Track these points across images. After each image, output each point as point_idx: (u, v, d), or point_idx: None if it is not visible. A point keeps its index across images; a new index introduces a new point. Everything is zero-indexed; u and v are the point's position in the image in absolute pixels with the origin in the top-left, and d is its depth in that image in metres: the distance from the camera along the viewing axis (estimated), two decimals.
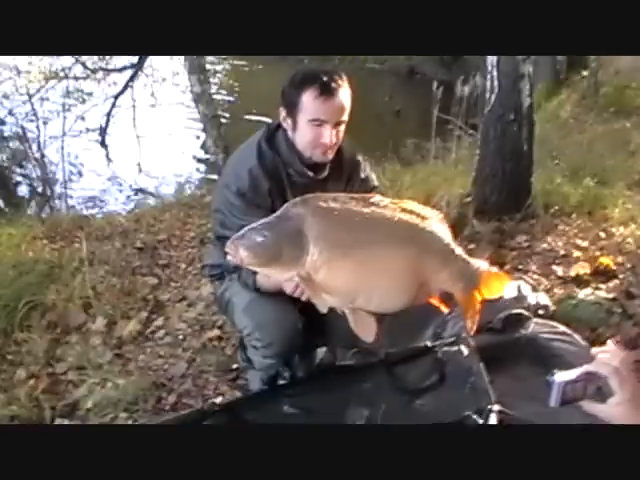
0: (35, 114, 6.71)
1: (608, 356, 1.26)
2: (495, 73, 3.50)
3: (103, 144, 8.91)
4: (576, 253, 3.27)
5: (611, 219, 3.68)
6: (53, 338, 3.20)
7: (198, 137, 8.80)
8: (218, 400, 2.43)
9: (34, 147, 6.62)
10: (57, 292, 3.49)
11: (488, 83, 3.57)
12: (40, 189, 6.27)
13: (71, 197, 6.55)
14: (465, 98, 5.55)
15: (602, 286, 2.93)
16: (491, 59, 3.50)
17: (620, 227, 3.58)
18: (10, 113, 7.06)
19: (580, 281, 2.98)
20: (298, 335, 2.15)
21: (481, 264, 1.77)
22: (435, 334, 2.54)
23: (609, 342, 1.40)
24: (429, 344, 2.43)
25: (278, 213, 1.65)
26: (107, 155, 8.82)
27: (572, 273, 3.03)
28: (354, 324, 1.68)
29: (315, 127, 2.00)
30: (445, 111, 5.53)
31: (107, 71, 8.99)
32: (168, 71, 9.80)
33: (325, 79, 1.98)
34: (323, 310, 1.65)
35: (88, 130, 8.95)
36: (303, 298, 1.75)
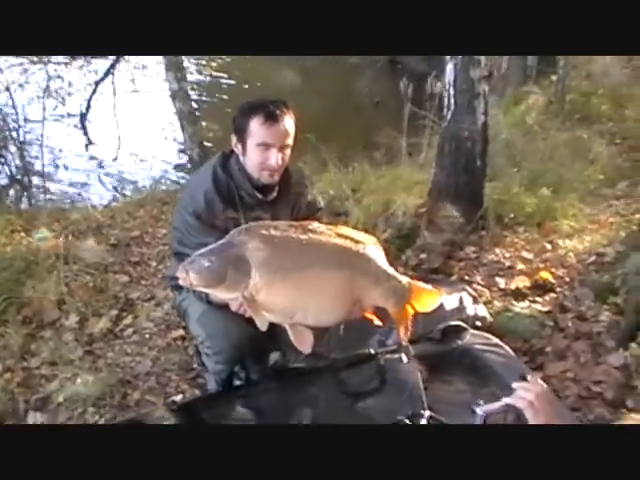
0: (13, 102, 6.80)
1: (525, 390, 1.55)
2: (452, 91, 3.72)
3: (84, 131, 9.07)
4: (520, 265, 3.50)
5: (559, 231, 3.89)
6: (28, 333, 3.41)
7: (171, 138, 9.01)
8: (177, 398, 2.69)
9: (13, 134, 6.75)
10: (33, 288, 3.69)
11: (445, 100, 3.80)
12: (19, 178, 6.40)
13: (49, 190, 6.68)
14: (437, 93, 5.60)
15: (539, 299, 3.17)
16: (448, 78, 3.72)
17: (566, 240, 3.79)
18: None
19: (519, 294, 3.21)
20: (245, 344, 2.34)
21: (413, 282, 2.04)
22: (380, 341, 2.76)
23: (529, 377, 1.71)
24: (373, 351, 2.67)
25: (224, 240, 1.86)
26: (87, 143, 8.95)
27: (512, 286, 3.26)
28: (293, 337, 1.91)
29: (262, 150, 2.19)
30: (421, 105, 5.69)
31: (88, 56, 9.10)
32: (149, 59, 9.87)
33: (270, 107, 2.18)
34: (262, 328, 1.86)
35: (70, 115, 9.10)
36: (247, 315, 1.94)
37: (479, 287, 3.32)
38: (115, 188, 7.49)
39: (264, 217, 2.32)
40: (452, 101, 3.73)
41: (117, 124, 9.09)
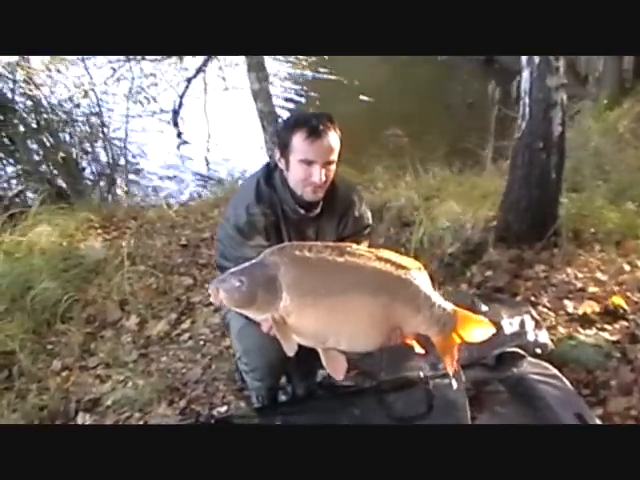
0: (99, 102, 7.01)
1: None
2: (527, 100, 3.53)
3: (176, 128, 9.27)
4: (592, 288, 3.28)
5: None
6: (90, 332, 3.50)
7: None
8: (222, 410, 2.68)
9: (102, 132, 6.97)
10: (99, 287, 3.79)
11: (520, 110, 3.60)
12: (106, 174, 6.60)
13: (131, 187, 6.86)
14: None
15: (608, 327, 2.95)
16: (524, 86, 3.53)
17: None
18: (85, 95, 7.39)
19: (586, 320, 3.00)
20: (281, 363, 2.29)
21: (460, 310, 1.94)
22: (432, 364, 2.63)
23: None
24: (422, 374, 2.57)
25: (256, 260, 1.84)
26: (179, 142, 9.15)
27: (580, 311, 3.06)
28: (325, 362, 1.87)
29: (305, 167, 2.13)
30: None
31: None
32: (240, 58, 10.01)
33: (314, 122, 2.12)
34: (289, 353, 1.82)
35: (162, 111, 9.33)
36: (277, 337, 1.88)
37: (545, 310, 3.13)
38: (198, 186, 7.60)
39: (308, 233, 2.30)
40: (527, 110, 3.54)
41: (207, 121, 9.25)
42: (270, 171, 2.29)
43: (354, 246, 1.90)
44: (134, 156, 7.61)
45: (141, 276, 3.91)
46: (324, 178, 2.15)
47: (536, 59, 3.43)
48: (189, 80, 9.46)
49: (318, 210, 2.29)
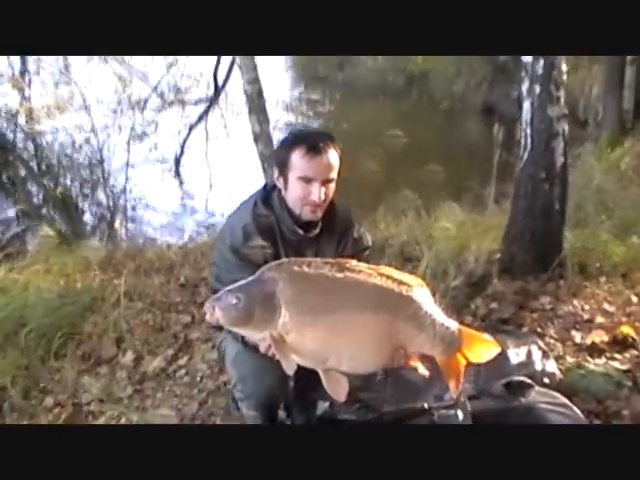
0: (100, 147, 7.06)
1: None
2: (528, 131, 3.52)
3: (177, 174, 9.32)
4: (600, 319, 3.22)
5: None
6: (84, 369, 3.40)
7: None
8: None
9: (105, 175, 7.00)
10: (94, 324, 3.71)
11: (522, 141, 3.58)
12: (104, 219, 6.60)
13: (131, 230, 6.85)
14: None
15: (618, 356, 2.88)
16: (525, 117, 3.52)
17: None
18: (87, 141, 7.45)
19: (595, 349, 2.93)
20: (278, 390, 2.23)
21: (464, 329, 1.88)
22: (437, 396, 2.50)
23: None
24: (427, 406, 2.45)
25: (254, 276, 1.78)
26: (180, 185, 9.18)
27: (588, 341, 2.99)
28: (326, 384, 1.80)
29: (303, 185, 2.10)
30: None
31: (183, 103, 9.48)
32: (242, 106, 10.14)
33: (313, 139, 2.10)
34: (289, 372, 1.76)
35: (164, 160, 9.41)
36: (276, 357, 1.81)
37: (552, 341, 3.06)
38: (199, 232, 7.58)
39: (306, 254, 2.22)
40: (528, 141, 3.53)
41: (209, 167, 9.30)
42: (268, 192, 2.26)
43: (353, 262, 1.84)
44: (134, 201, 7.60)
45: (138, 313, 3.83)
46: (323, 196, 2.11)
47: (537, 89, 3.44)
48: (191, 127, 9.60)
49: (317, 231, 2.25)
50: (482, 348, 1.89)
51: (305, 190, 2.11)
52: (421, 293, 1.84)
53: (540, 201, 3.56)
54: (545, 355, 2.80)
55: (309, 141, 2.09)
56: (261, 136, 5.87)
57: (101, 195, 6.92)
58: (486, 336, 1.96)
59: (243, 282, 1.78)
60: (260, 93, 5.50)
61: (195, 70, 11.20)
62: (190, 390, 3.14)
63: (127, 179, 7.01)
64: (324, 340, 1.76)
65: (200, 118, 9.69)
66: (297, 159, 2.09)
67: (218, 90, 9.71)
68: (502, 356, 2.38)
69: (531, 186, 3.56)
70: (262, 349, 1.87)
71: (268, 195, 2.25)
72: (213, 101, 9.64)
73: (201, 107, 9.80)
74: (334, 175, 2.14)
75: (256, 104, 5.51)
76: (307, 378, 1.88)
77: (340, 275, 1.77)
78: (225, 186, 8.83)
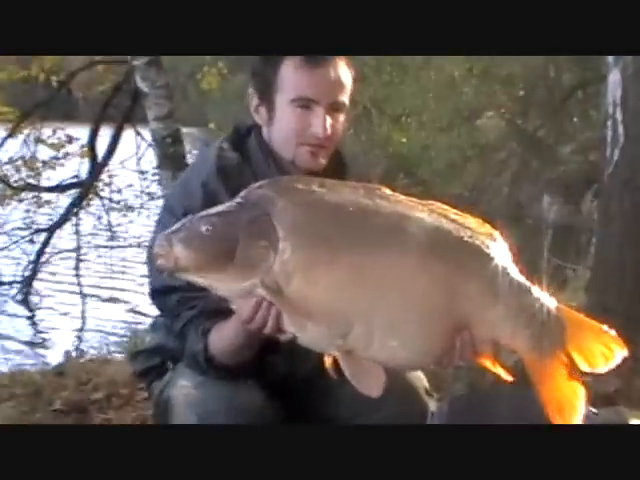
0: None
1: None
2: (619, 115, 2.67)
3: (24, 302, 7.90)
4: None
5: None
6: None
7: None
8: None
9: None
10: None
11: (608, 131, 2.73)
12: None
13: None
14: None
15: None
16: (613, 94, 2.67)
17: None
18: None
19: None
20: (264, 420, 1.64)
21: (570, 310, 1.45)
22: None
23: None
24: None
25: (236, 198, 1.42)
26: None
27: None
28: (349, 373, 1.35)
29: (299, 110, 1.66)
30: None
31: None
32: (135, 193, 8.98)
33: None
34: (303, 338, 1.36)
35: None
36: (267, 330, 1.39)
37: None
38: None
39: None
40: (620, 130, 2.67)
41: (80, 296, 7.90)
42: (240, 136, 1.79)
43: (388, 190, 1.44)
44: None
45: None
46: (329, 130, 1.65)
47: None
48: (51, 230, 8.20)
49: None
50: (600, 346, 1.39)
51: (302, 119, 1.67)
52: (495, 244, 1.43)
53: None
54: None
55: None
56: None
57: None
58: (605, 327, 1.41)
59: (219, 207, 1.41)
60: (176, 136, 4.37)
61: (57, 133, 8.35)
62: None
63: None
64: (344, 292, 1.35)
65: (66, 214, 7.75)
66: (290, 73, 1.67)
67: (96, 167, 7.81)
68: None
69: (629, 199, 2.69)
70: (245, 313, 1.41)
71: (241, 139, 1.79)
72: (88, 186, 7.96)
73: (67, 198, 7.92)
74: (345, 99, 1.69)
75: (170, 153, 4.30)
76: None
77: (369, 201, 1.40)
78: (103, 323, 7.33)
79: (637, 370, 2.66)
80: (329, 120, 1.65)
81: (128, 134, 7.64)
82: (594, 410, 1.64)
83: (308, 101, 1.65)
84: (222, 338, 1.57)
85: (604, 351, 1.38)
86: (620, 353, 1.39)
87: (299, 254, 1.34)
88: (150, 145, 5.43)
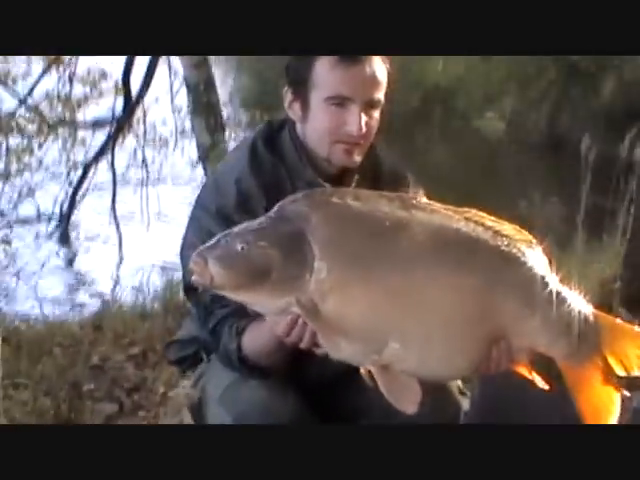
0: None
1: None
2: None
3: (63, 239, 7.87)
4: None
5: None
6: None
7: None
8: None
9: None
10: None
11: None
12: None
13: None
14: None
15: None
16: None
17: None
18: None
19: None
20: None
21: (606, 317, 1.48)
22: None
23: None
24: None
25: (268, 214, 1.44)
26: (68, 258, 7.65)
27: None
28: (385, 387, 1.38)
29: (334, 109, 1.65)
30: None
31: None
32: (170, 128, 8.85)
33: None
34: (337, 355, 1.38)
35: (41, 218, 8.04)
36: (302, 345, 1.42)
37: None
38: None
39: None
40: None
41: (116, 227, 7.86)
42: (274, 132, 1.79)
43: (424, 199, 1.52)
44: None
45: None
46: (365, 128, 1.65)
47: None
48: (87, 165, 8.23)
49: (353, 186, 1.74)
50: (635, 349, 1.42)
51: (337, 117, 1.65)
52: (532, 253, 1.45)
53: None
54: None
55: None
56: (213, 151, 4.72)
57: None
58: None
59: (249, 222, 1.41)
60: (210, 84, 4.36)
61: (91, 72, 8.75)
62: None
63: None
64: (380, 310, 1.37)
65: (102, 148, 7.71)
66: (325, 70, 1.66)
67: (131, 104, 7.87)
68: None
69: None
70: (280, 330, 1.44)
71: (274, 136, 1.78)
72: (124, 121, 7.93)
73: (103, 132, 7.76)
74: (381, 96, 1.68)
75: (204, 101, 4.32)
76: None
77: (405, 213, 1.41)
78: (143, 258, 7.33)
79: None
80: (364, 118, 1.64)
81: (162, 70, 7.57)
82: (627, 393, 1.62)
83: (343, 99, 1.64)
84: (256, 339, 1.59)
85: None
86: None
87: (335, 273, 1.35)
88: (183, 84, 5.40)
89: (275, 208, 1.41)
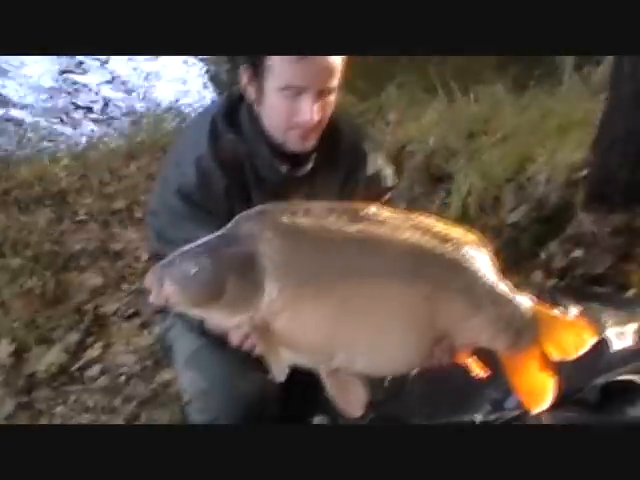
0: None
1: None
2: None
3: None
4: None
5: None
6: None
7: None
8: None
9: None
10: None
11: None
12: None
13: None
14: None
15: None
16: None
17: None
18: None
19: None
20: (259, 407, 1.78)
21: (542, 308, 1.55)
22: (494, 402, 1.99)
23: None
24: (478, 419, 1.93)
25: (223, 230, 1.48)
26: None
27: None
28: (332, 391, 1.47)
29: (289, 98, 1.69)
30: None
31: None
32: None
33: None
34: (279, 377, 1.43)
35: None
36: (255, 353, 1.49)
37: None
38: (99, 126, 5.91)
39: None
40: None
41: None
42: (233, 105, 1.83)
43: (373, 208, 1.51)
44: None
45: (14, 276, 3.02)
46: (317, 116, 1.69)
47: None
48: None
49: (310, 166, 1.83)
50: (570, 337, 1.54)
51: (291, 106, 1.69)
52: (477, 255, 1.52)
53: None
54: None
55: None
56: None
57: None
58: (574, 317, 1.67)
59: (206, 240, 1.46)
60: None
61: None
62: (109, 399, 2.41)
63: None
64: (331, 325, 1.44)
65: None
66: (279, 60, 1.67)
67: None
68: (597, 342, 1.77)
69: None
70: (234, 341, 1.52)
71: (233, 111, 1.82)
72: None
73: None
74: (335, 84, 1.71)
75: None
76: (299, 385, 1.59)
77: (354, 228, 1.46)
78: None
79: (631, 248, 2.66)
80: (317, 106, 1.68)
81: None
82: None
83: (297, 89, 1.67)
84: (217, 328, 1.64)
85: (575, 340, 1.53)
86: (590, 339, 1.55)
87: (286, 293, 1.41)
88: None
89: (231, 224, 1.47)
